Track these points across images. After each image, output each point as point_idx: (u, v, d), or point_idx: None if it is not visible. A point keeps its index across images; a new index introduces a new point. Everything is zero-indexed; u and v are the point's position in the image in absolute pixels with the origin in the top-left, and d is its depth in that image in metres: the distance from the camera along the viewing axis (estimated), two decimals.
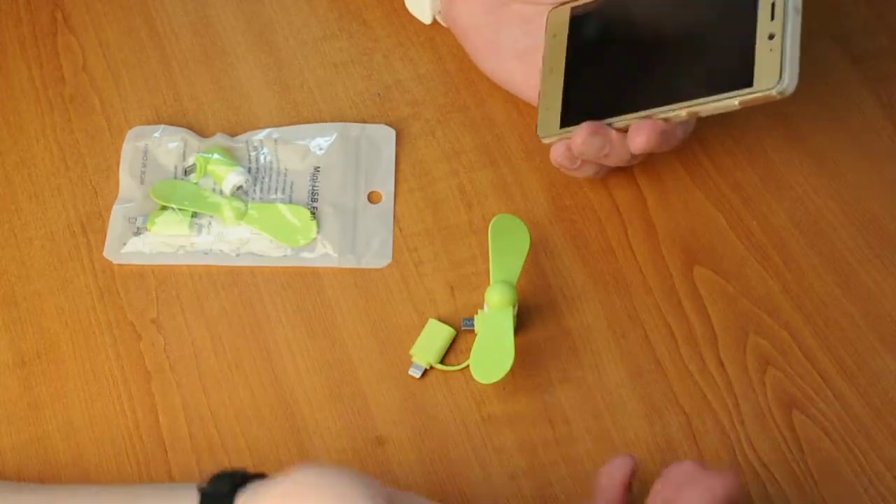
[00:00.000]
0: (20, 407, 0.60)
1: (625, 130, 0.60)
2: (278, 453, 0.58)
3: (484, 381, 0.58)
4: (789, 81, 0.53)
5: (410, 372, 0.60)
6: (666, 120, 0.58)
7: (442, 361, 0.60)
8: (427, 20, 0.69)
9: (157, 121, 0.68)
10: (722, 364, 0.60)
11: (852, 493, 0.56)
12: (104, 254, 0.64)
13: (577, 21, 0.63)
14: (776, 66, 0.53)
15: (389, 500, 0.46)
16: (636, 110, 0.59)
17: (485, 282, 0.61)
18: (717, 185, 0.65)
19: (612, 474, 0.52)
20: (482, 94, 0.68)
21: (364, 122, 0.68)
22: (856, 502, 0.56)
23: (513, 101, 0.68)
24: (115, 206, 0.65)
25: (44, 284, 0.63)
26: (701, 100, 0.57)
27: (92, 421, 0.59)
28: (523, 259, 0.60)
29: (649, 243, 0.64)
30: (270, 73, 0.70)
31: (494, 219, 0.61)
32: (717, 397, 0.59)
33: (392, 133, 0.67)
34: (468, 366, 0.58)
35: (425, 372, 0.60)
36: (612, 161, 0.61)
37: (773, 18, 0.54)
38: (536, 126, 0.63)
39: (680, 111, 0.57)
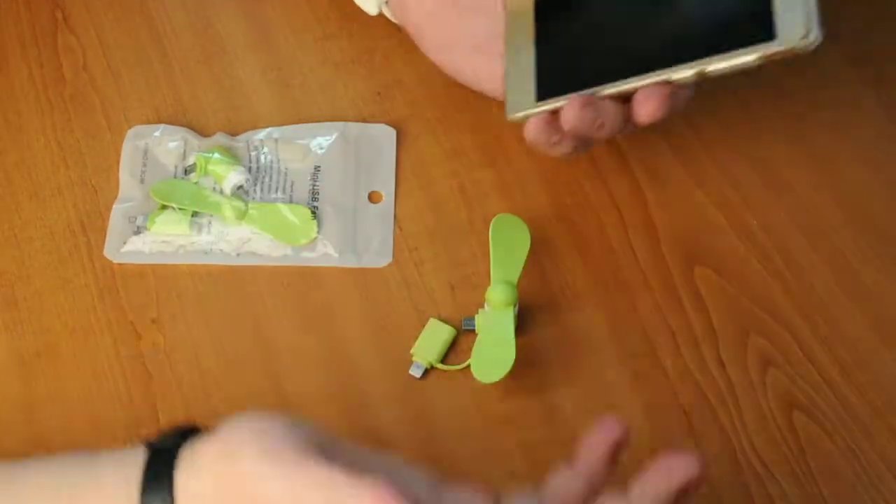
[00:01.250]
0: (20, 406, 0.59)
1: (618, 98, 0.56)
2: None
3: (485, 381, 0.58)
4: (817, 32, 0.50)
5: (411, 371, 0.60)
6: (669, 82, 0.54)
7: (443, 361, 0.60)
8: (373, 11, 0.67)
9: (158, 120, 0.68)
10: (722, 364, 0.60)
11: (853, 493, 0.56)
12: (104, 253, 0.64)
13: None
14: (801, 17, 0.50)
15: (321, 446, 0.45)
16: (631, 75, 0.55)
17: (485, 281, 0.61)
18: (717, 184, 0.65)
19: (594, 446, 0.47)
20: (482, 94, 0.68)
21: (364, 121, 0.68)
22: (856, 502, 0.56)
23: None
24: (115, 206, 0.65)
25: (44, 284, 0.63)
26: (713, 57, 0.52)
27: (92, 420, 0.59)
28: (524, 259, 0.60)
29: (650, 243, 0.64)
30: (271, 72, 0.70)
31: (495, 218, 0.61)
32: (718, 397, 0.59)
33: (392, 132, 0.67)
34: (469, 365, 0.58)
35: (426, 371, 0.60)
36: (606, 133, 0.57)
37: None
38: (505, 109, 0.59)
39: (687, 72, 0.53)
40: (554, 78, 0.58)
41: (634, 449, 0.57)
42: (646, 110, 0.54)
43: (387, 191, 0.66)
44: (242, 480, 0.44)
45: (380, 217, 0.65)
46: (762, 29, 0.51)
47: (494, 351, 0.58)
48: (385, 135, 0.67)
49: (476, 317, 0.60)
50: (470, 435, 0.58)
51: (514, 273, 0.59)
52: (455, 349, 0.60)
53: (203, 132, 0.67)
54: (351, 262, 0.63)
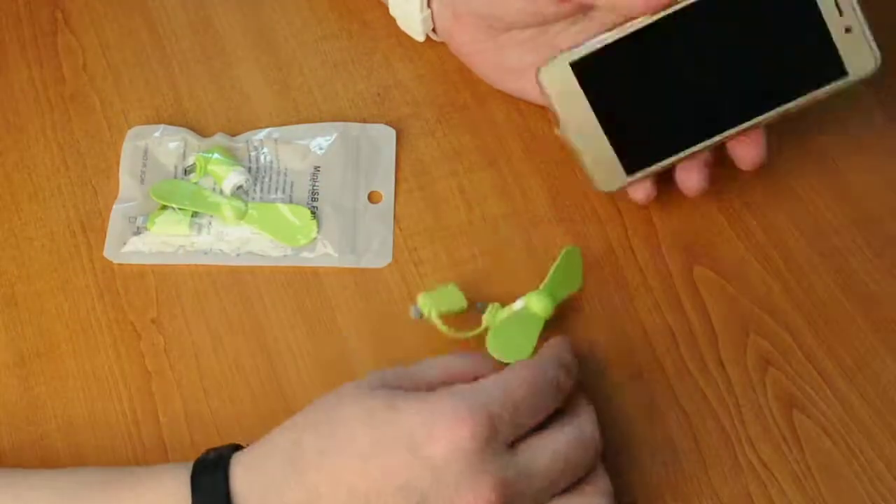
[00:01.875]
0: (20, 407, 0.59)
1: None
2: None
3: (497, 356, 0.56)
4: (880, 56, 0.57)
5: (410, 313, 0.59)
6: (757, 125, 0.59)
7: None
8: (420, 38, 0.69)
9: (158, 120, 0.68)
10: (722, 364, 0.60)
11: (853, 493, 0.56)
12: (104, 253, 0.64)
13: (589, 71, 0.58)
14: (867, 51, 0.57)
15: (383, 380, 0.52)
16: (713, 133, 0.59)
17: (485, 281, 0.61)
18: (717, 184, 0.65)
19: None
20: (482, 94, 0.68)
21: (364, 121, 0.68)
22: (856, 502, 0.56)
23: (513, 101, 0.68)
24: (114, 206, 0.65)
25: (43, 284, 0.63)
26: (792, 103, 0.58)
27: (92, 421, 0.59)
28: (566, 296, 0.60)
29: (649, 243, 0.64)
30: (270, 72, 0.70)
31: (570, 248, 0.60)
32: (718, 397, 0.59)
33: (392, 133, 0.67)
34: (475, 335, 0.57)
35: (421, 317, 0.59)
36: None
37: (841, 14, 0.57)
38: (591, 181, 0.61)
39: (769, 118, 0.59)
40: (636, 150, 0.60)
41: (634, 449, 0.58)
42: (751, 159, 0.60)
43: (386, 191, 0.66)
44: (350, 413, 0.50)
45: (379, 217, 0.65)
46: (835, 68, 0.58)
47: (517, 336, 0.57)
48: (385, 135, 0.67)
49: (489, 308, 0.59)
50: None
51: (557, 299, 0.59)
52: (457, 320, 0.59)
53: (203, 132, 0.67)
54: (350, 263, 0.63)
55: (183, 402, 0.59)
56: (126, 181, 0.65)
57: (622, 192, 0.62)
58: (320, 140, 0.66)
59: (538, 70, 0.59)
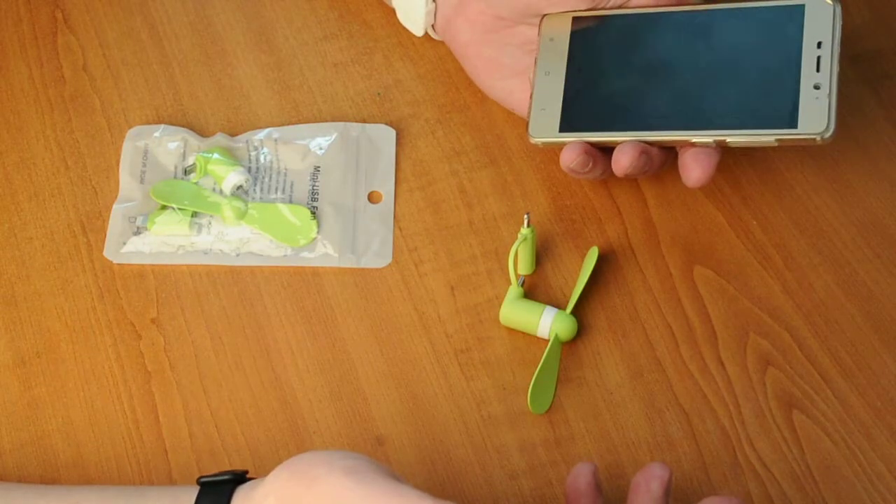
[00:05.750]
0: (20, 407, 0.59)
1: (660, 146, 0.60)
2: (278, 453, 0.58)
3: (536, 412, 0.58)
4: (833, 128, 0.56)
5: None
6: (693, 144, 0.59)
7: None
8: (419, 33, 0.69)
9: (158, 120, 0.68)
10: (722, 364, 0.60)
11: (853, 493, 0.56)
12: (104, 253, 0.64)
13: (583, 30, 0.63)
14: (823, 114, 0.57)
15: (392, 476, 0.47)
16: (654, 128, 0.59)
17: (485, 281, 0.61)
18: (717, 184, 0.65)
19: (574, 484, 0.51)
20: (482, 94, 0.68)
21: (364, 121, 0.68)
22: (856, 502, 0.56)
23: None
24: (114, 206, 0.65)
25: (43, 284, 0.63)
26: (736, 131, 0.58)
27: (92, 421, 0.59)
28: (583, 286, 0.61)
29: (649, 243, 0.64)
30: (270, 72, 0.70)
31: (593, 250, 0.61)
32: (718, 397, 0.59)
33: (392, 133, 0.67)
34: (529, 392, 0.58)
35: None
36: (644, 175, 0.61)
37: (818, 71, 0.57)
38: (527, 125, 0.62)
39: (707, 138, 0.58)
40: (580, 113, 0.61)
41: (633, 450, 0.58)
42: (696, 175, 0.59)
43: (386, 191, 0.66)
44: (320, 500, 0.45)
45: (379, 217, 0.65)
46: (787, 116, 0.57)
47: (547, 381, 0.59)
48: (385, 135, 0.67)
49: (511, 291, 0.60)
50: (470, 435, 0.58)
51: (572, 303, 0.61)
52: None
53: (203, 132, 0.67)
54: (350, 263, 0.63)
55: (183, 402, 0.59)
56: (126, 181, 0.65)
57: (550, 149, 0.63)
58: (320, 140, 0.67)
59: (544, 15, 0.64)
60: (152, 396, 0.60)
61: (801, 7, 0.59)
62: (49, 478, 0.58)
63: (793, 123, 0.57)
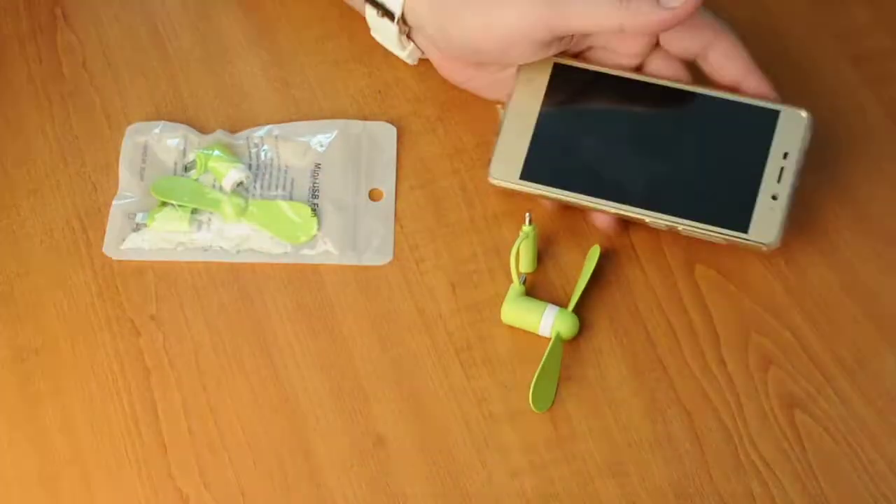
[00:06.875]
0: (19, 403, 0.59)
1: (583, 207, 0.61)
2: (278, 450, 0.58)
3: (538, 410, 0.58)
4: (780, 238, 0.58)
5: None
6: (645, 224, 0.60)
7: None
8: (413, 62, 0.68)
9: (157, 117, 0.68)
10: (724, 363, 0.60)
11: (854, 492, 0.56)
12: (103, 250, 0.63)
13: (562, 78, 0.63)
14: (775, 224, 0.58)
15: None
16: (610, 199, 0.60)
17: (486, 279, 0.61)
18: None
19: None
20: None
21: (365, 119, 0.67)
22: (858, 501, 0.56)
23: None
24: (114, 202, 0.65)
25: (43, 280, 0.63)
26: (688, 221, 0.59)
27: (91, 418, 0.59)
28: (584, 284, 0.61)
29: (650, 241, 0.63)
30: (271, 69, 0.70)
31: (595, 248, 0.62)
32: (719, 396, 0.59)
33: (393, 130, 0.67)
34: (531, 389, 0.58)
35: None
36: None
37: (779, 181, 0.59)
38: (489, 164, 0.62)
39: (660, 221, 0.60)
40: (543, 164, 0.62)
41: (635, 448, 0.58)
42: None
43: (387, 189, 0.65)
44: None
45: (380, 215, 0.65)
46: (740, 219, 0.59)
47: (548, 380, 0.58)
48: (386, 132, 0.67)
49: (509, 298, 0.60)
50: (471, 434, 0.58)
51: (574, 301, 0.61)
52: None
53: (203, 129, 0.67)
54: (351, 260, 0.63)
55: (182, 399, 0.59)
56: (126, 177, 0.65)
57: (505, 192, 0.63)
58: (321, 137, 0.66)
59: None
60: (151, 393, 0.59)
61: (777, 113, 0.60)
62: (47, 474, 0.57)
63: (744, 228, 0.58)
